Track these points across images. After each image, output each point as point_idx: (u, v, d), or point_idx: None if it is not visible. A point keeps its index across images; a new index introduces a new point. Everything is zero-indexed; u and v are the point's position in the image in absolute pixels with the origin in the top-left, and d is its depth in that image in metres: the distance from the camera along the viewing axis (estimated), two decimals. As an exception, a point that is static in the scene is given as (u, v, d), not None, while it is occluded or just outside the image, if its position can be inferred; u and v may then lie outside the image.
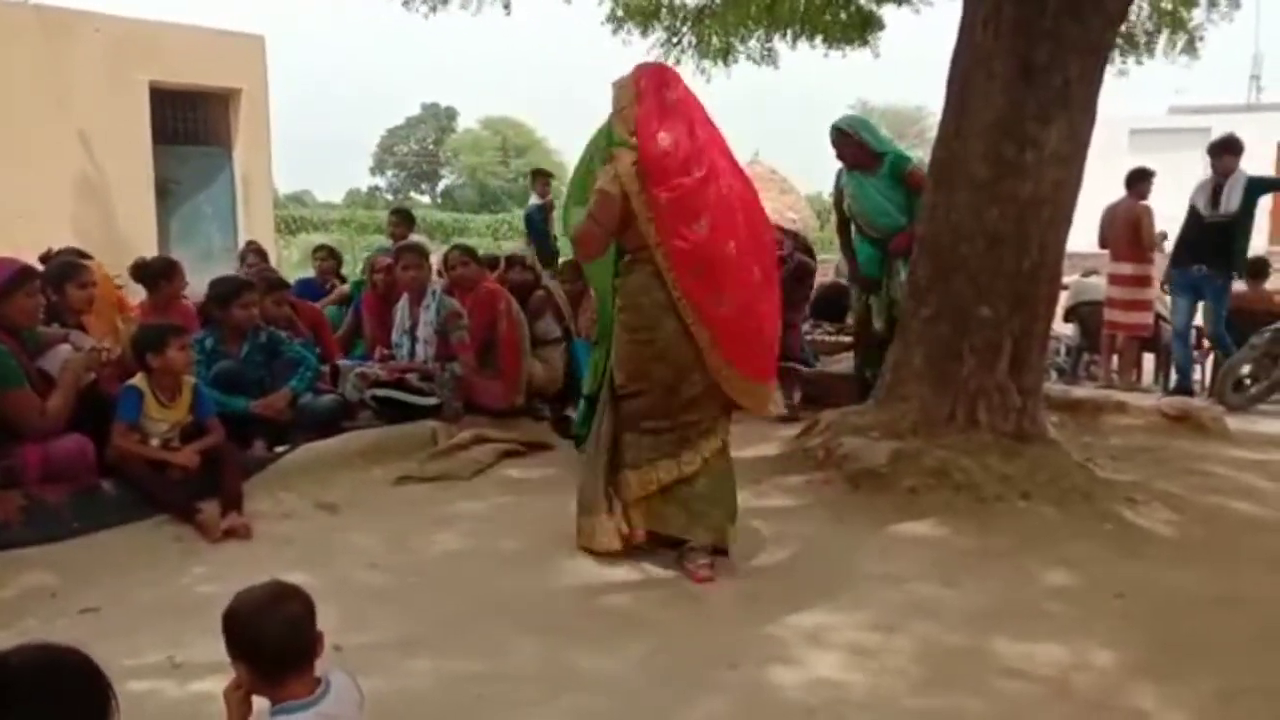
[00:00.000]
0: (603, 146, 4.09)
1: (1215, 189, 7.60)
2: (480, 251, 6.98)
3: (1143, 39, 8.45)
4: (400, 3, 7.38)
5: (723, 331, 3.64)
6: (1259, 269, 8.89)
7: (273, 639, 1.92)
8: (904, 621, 3.35)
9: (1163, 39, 8.41)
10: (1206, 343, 8.98)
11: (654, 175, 3.58)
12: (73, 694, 1.43)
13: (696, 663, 3.03)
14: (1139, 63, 8.54)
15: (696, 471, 3.75)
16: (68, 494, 4.10)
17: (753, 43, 8.68)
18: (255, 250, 7.92)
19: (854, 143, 5.97)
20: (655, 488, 3.75)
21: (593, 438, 3.99)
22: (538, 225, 11.51)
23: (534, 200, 11.97)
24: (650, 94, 3.68)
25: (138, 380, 4.31)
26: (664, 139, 3.59)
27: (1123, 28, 7.78)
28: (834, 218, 6.69)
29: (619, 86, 3.78)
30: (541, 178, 12.35)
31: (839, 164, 6.09)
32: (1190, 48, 8.44)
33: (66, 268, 5.09)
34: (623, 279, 3.79)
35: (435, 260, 6.79)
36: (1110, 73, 8.29)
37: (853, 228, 6.15)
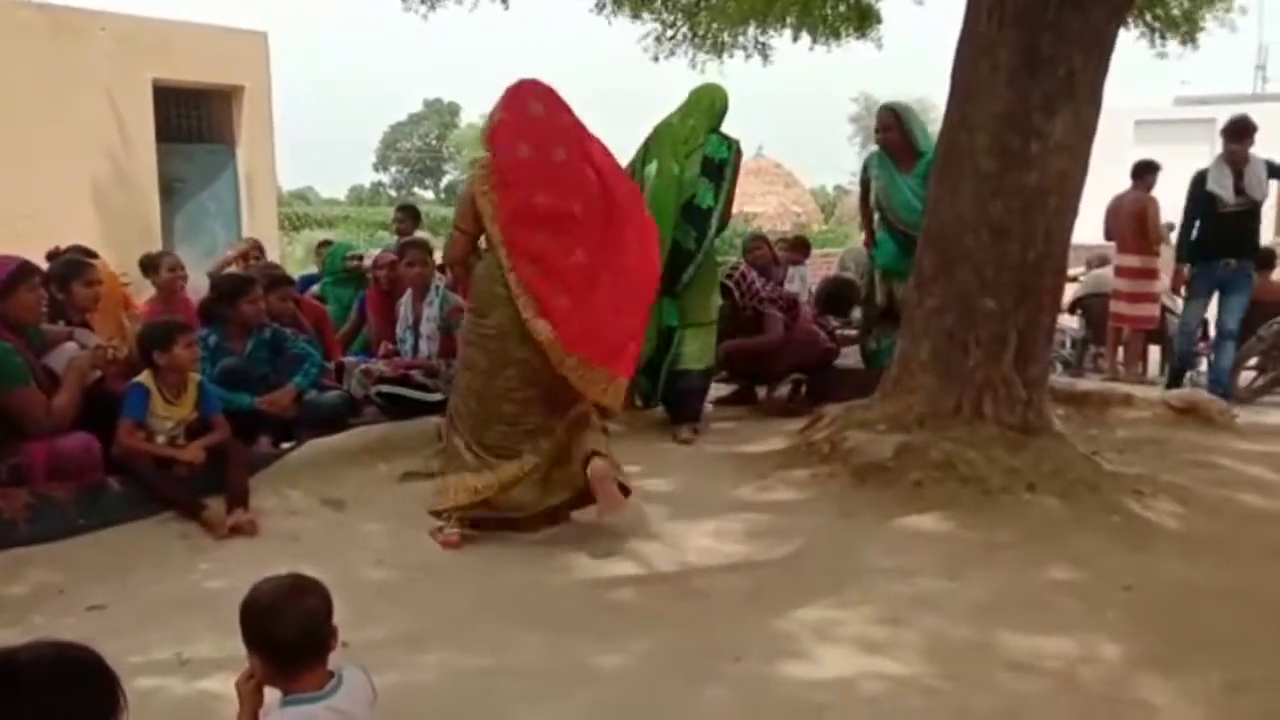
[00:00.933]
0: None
1: (1237, 175, 7.20)
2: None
3: (1183, 23, 8.33)
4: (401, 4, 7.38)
5: (562, 322, 3.86)
6: (1267, 260, 8.86)
7: (290, 631, 1.92)
8: (910, 615, 3.35)
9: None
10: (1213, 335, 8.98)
11: (500, 182, 3.91)
12: (82, 690, 1.44)
13: (702, 657, 3.03)
14: (1183, 44, 8.41)
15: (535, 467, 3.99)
16: (74, 492, 4.10)
17: (747, 35, 8.65)
18: (256, 246, 7.93)
19: (899, 131, 6.00)
20: (487, 495, 3.98)
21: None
22: None
23: None
24: (511, 107, 3.99)
25: (144, 378, 4.31)
26: (513, 150, 3.92)
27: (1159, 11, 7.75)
28: (859, 204, 6.78)
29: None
30: None
31: (873, 147, 6.17)
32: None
33: (72, 265, 5.09)
34: (477, 265, 4.11)
35: (438, 257, 6.80)
36: (1150, 53, 8.27)
37: (877, 215, 6.24)
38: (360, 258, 7.51)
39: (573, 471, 3.98)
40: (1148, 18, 8.27)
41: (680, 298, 5.63)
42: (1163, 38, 8.43)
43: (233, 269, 6.95)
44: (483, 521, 4.07)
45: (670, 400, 5.84)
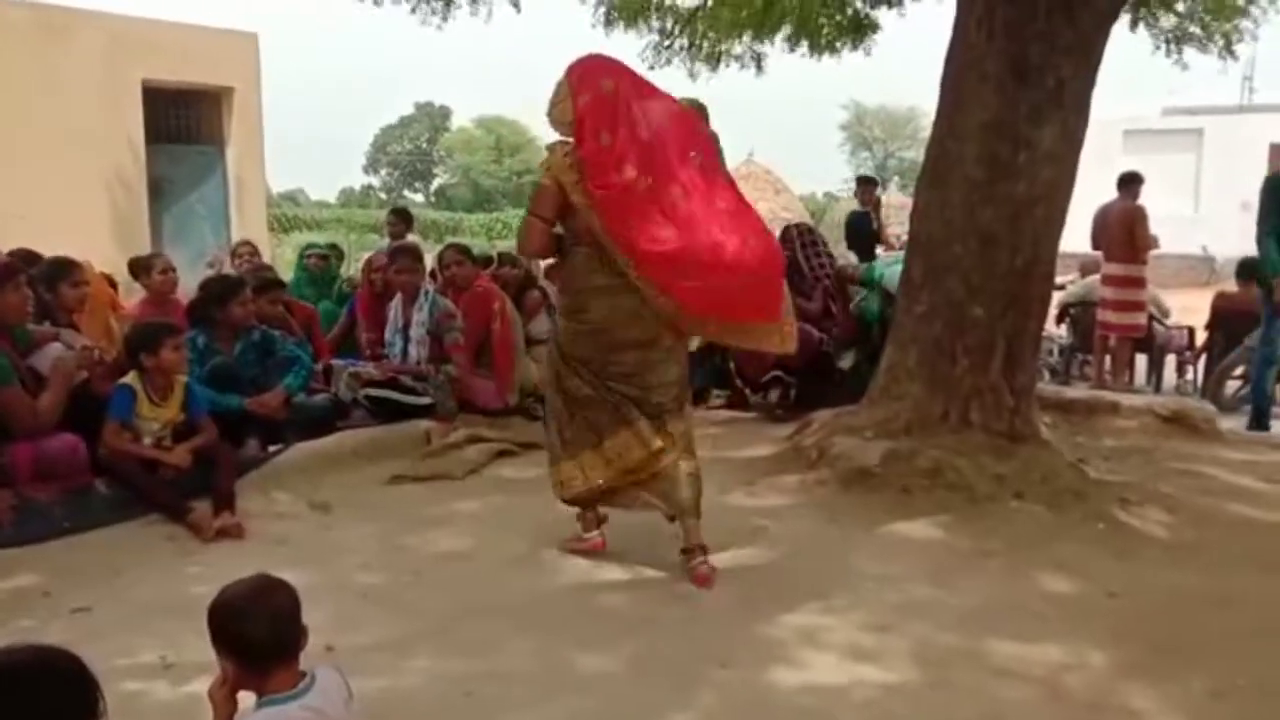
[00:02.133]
0: None
1: None
2: (474, 251, 6.98)
3: (1200, 33, 8.32)
4: (409, 10, 7.35)
5: (690, 294, 3.66)
6: (1250, 269, 8.92)
7: (259, 631, 1.92)
8: (897, 622, 3.35)
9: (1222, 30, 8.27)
10: (1199, 345, 9.03)
11: (592, 172, 3.63)
12: (59, 694, 1.43)
13: (689, 662, 3.03)
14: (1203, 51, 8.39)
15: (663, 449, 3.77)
16: (59, 493, 4.08)
17: (740, 46, 8.68)
18: (247, 245, 7.93)
19: None
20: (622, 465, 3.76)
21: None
22: None
23: None
24: (588, 90, 3.69)
25: (130, 379, 4.29)
26: (597, 138, 3.64)
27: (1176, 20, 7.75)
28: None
29: (557, 83, 3.80)
30: None
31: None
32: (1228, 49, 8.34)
33: (59, 266, 5.07)
34: (565, 263, 3.87)
35: (430, 260, 6.80)
36: (1168, 63, 8.27)
37: None
38: (324, 257, 7.49)
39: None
40: (1164, 25, 8.23)
41: None
42: (1178, 48, 8.39)
43: (225, 270, 6.94)
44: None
45: None
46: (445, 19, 7.48)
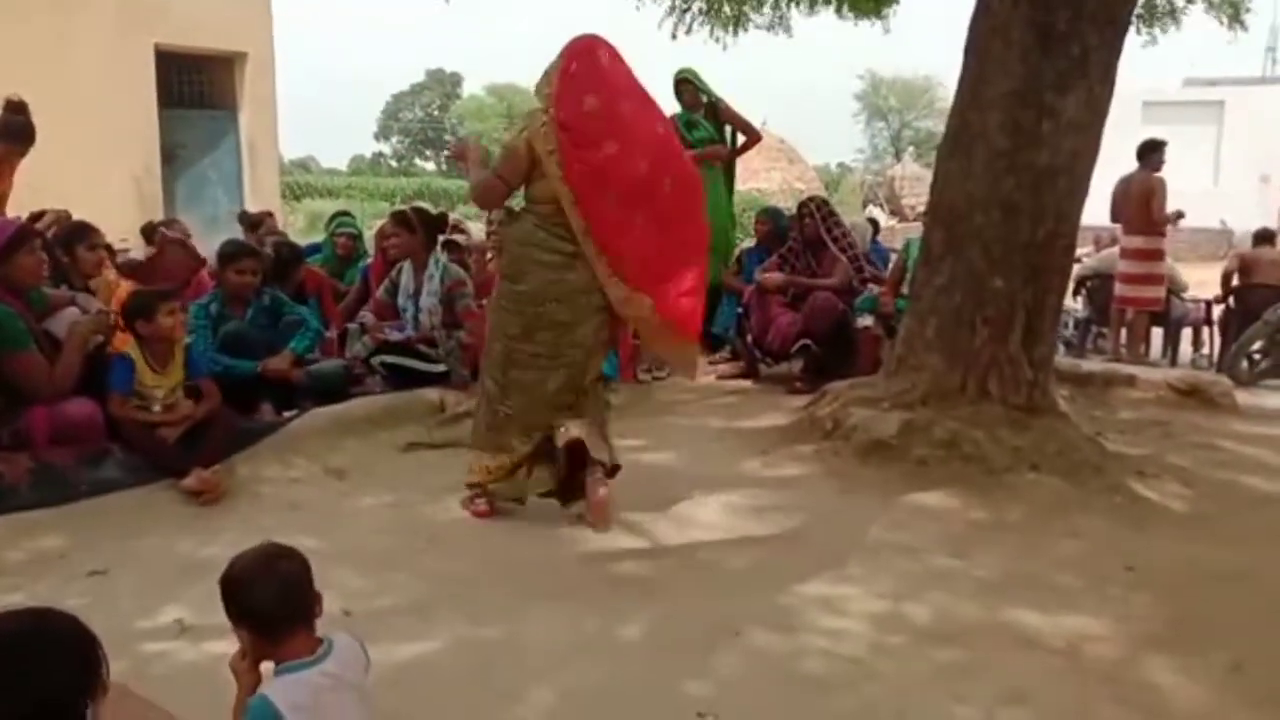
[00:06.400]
0: None
1: None
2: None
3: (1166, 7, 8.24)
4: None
5: (636, 282, 3.79)
6: (1268, 238, 8.84)
7: (271, 598, 1.91)
8: (914, 592, 3.34)
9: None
10: (1217, 321, 8.96)
11: (569, 140, 3.68)
12: (60, 657, 1.42)
13: (705, 630, 3.03)
14: (1164, 31, 8.33)
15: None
16: (76, 457, 4.08)
17: (765, 10, 8.55)
18: (270, 216, 7.94)
19: None
20: (492, 478, 3.97)
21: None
22: None
23: None
24: (579, 57, 3.77)
25: (129, 348, 4.26)
26: (580, 103, 3.71)
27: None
28: None
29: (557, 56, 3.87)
30: None
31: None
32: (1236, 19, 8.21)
33: (76, 229, 5.06)
34: (507, 227, 3.96)
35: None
36: (1137, 41, 8.18)
37: None
38: (354, 236, 7.41)
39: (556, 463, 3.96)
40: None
41: None
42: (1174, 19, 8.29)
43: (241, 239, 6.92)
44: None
45: None
46: None
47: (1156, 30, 8.30)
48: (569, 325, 3.82)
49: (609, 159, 3.71)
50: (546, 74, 3.81)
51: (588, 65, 3.76)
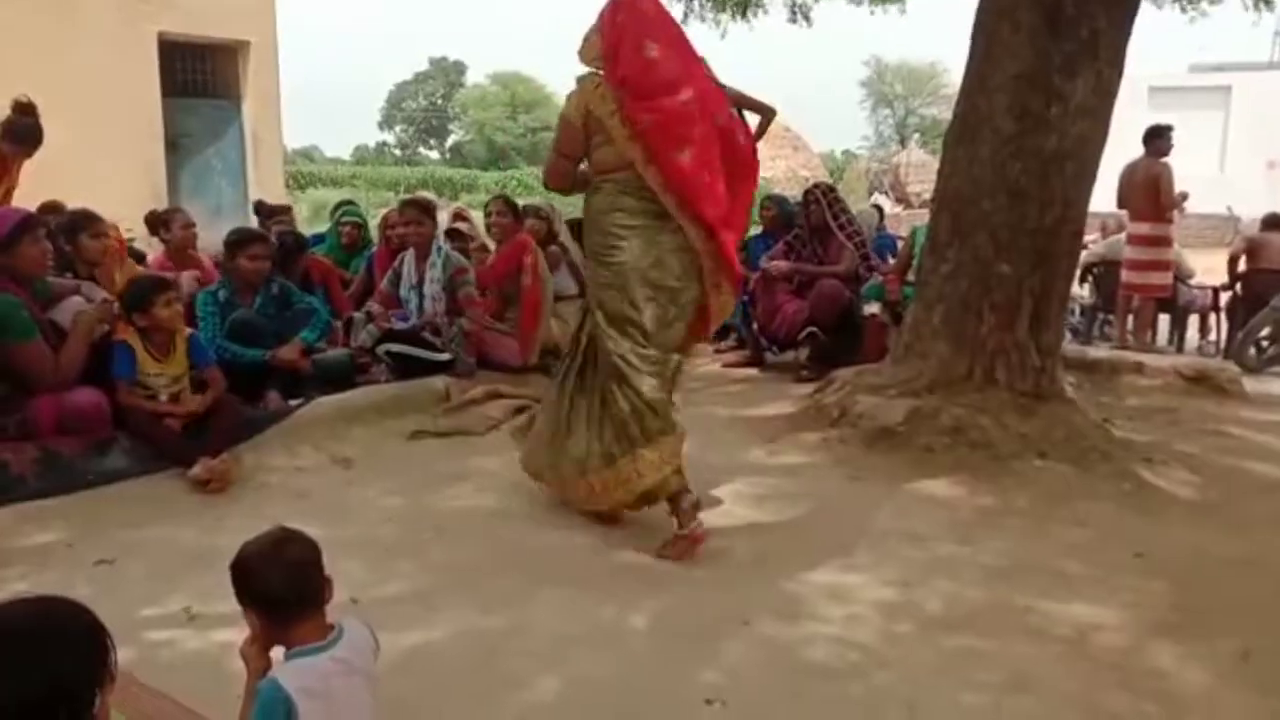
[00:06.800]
0: None
1: None
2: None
3: None
4: None
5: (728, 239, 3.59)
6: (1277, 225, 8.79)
7: (280, 582, 1.91)
8: (921, 579, 3.34)
9: None
10: (1224, 308, 8.92)
11: (634, 92, 3.45)
12: (69, 646, 1.41)
13: (712, 619, 3.02)
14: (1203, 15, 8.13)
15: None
16: (82, 446, 4.09)
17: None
18: (287, 211, 7.92)
19: None
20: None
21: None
22: None
23: None
24: (619, 12, 3.53)
25: (129, 336, 4.26)
26: (639, 54, 3.46)
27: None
28: None
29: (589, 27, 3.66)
30: None
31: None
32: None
33: (80, 218, 5.05)
34: (589, 199, 3.70)
35: (443, 218, 6.75)
36: (1196, 17, 7.99)
37: None
38: (358, 225, 7.40)
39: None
40: None
41: None
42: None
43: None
44: None
45: None
46: None
47: (1203, 3, 8.03)
48: (676, 291, 3.58)
49: (679, 106, 3.45)
50: (587, 37, 3.61)
51: (636, 15, 3.52)
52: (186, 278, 5.48)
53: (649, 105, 3.45)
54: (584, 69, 3.67)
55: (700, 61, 3.70)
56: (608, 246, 3.57)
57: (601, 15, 3.60)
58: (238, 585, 1.95)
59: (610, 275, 3.56)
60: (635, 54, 3.46)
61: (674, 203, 3.50)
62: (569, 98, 3.68)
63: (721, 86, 3.83)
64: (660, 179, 3.49)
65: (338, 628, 1.96)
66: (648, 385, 3.52)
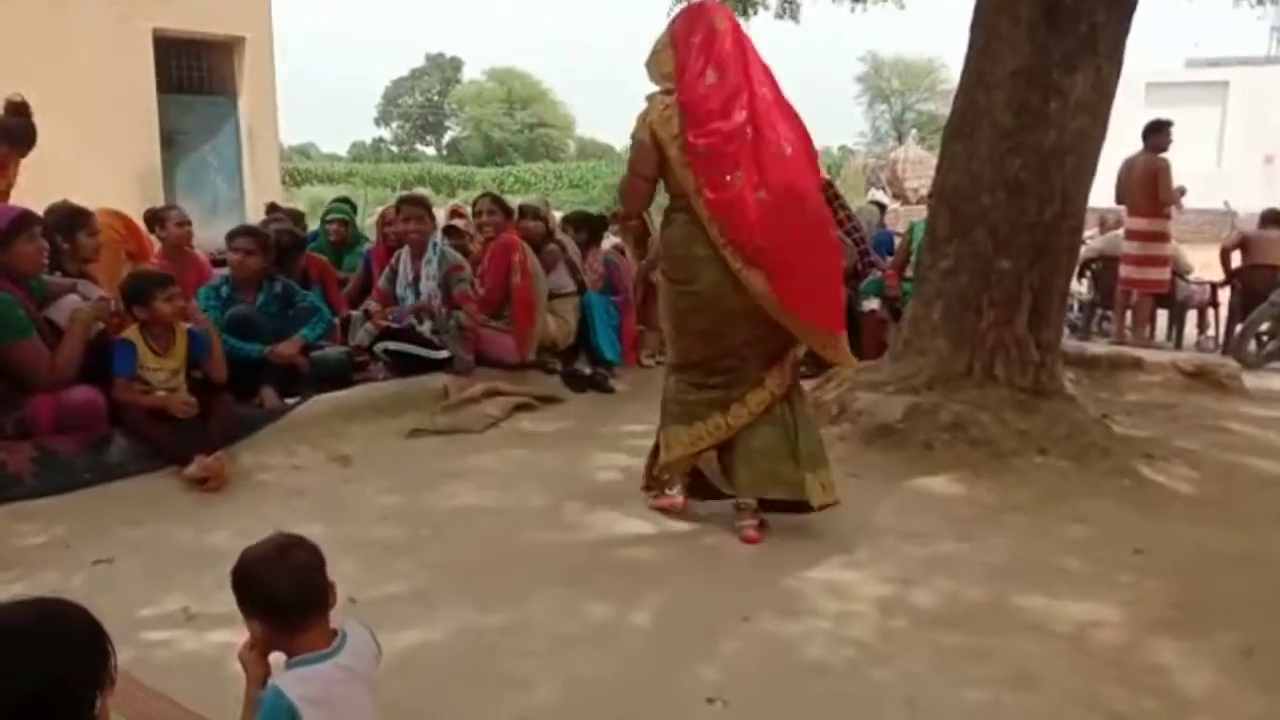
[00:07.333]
0: None
1: None
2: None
3: None
4: None
5: (777, 275, 3.39)
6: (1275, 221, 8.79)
7: (284, 589, 1.90)
8: (921, 576, 3.33)
9: None
10: (1224, 302, 8.92)
11: (691, 119, 3.36)
12: (69, 647, 1.40)
13: (712, 615, 3.02)
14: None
15: (747, 425, 3.59)
16: (79, 445, 4.08)
17: None
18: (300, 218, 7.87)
19: None
20: (704, 446, 3.64)
21: None
22: None
23: None
24: (687, 35, 3.44)
25: (130, 332, 4.25)
26: (705, 76, 3.35)
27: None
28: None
29: (659, 35, 3.56)
30: None
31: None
32: None
33: (75, 215, 5.03)
34: (664, 229, 3.62)
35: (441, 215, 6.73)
36: (1192, 12, 7.90)
37: None
38: (345, 223, 7.34)
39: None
40: None
41: None
42: None
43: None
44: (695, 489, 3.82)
45: None
46: None
47: None
48: (750, 311, 3.47)
49: (737, 128, 3.32)
50: (656, 51, 3.50)
51: (708, 35, 3.38)
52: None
53: (703, 130, 3.34)
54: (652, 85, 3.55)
55: (763, 79, 3.50)
56: (689, 275, 3.51)
57: (671, 28, 3.49)
58: (241, 592, 1.93)
59: (690, 303, 3.54)
60: (698, 79, 3.35)
61: (716, 233, 3.39)
62: (637, 119, 3.56)
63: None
64: (707, 211, 3.39)
65: (341, 634, 1.95)
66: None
